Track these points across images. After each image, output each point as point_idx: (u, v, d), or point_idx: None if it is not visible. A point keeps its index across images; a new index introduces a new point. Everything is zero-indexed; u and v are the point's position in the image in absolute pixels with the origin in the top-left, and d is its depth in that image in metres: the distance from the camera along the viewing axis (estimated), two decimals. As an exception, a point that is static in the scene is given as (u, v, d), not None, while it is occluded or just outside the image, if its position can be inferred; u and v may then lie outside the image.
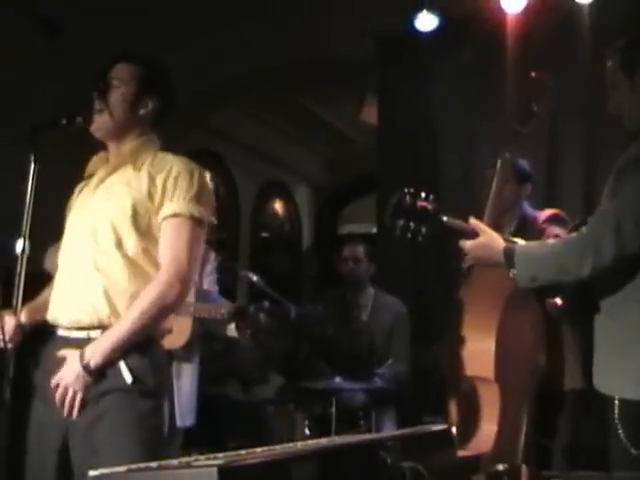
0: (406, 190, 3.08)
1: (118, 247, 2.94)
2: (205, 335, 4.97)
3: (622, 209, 2.75)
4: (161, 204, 2.98)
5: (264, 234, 10.10)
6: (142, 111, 3.14)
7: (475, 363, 3.83)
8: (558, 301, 3.77)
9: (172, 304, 2.94)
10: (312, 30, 6.68)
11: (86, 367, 2.82)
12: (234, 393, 5.76)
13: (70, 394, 2.83)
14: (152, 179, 3.00)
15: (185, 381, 4.54)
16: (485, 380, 3.78)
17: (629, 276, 2.81)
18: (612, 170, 2.89)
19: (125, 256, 2.94)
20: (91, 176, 3.17)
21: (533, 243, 3.05)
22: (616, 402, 2.82)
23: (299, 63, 7.35)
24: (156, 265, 2.96)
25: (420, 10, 6.28)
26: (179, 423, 4.38)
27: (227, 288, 5.20)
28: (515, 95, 5.44)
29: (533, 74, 4.17)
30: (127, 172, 3.06)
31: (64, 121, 3.06)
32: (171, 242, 2.95)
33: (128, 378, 2.84)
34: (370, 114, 8.21)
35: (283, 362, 6.06)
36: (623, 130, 3.06)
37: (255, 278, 5.08)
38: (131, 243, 2.95)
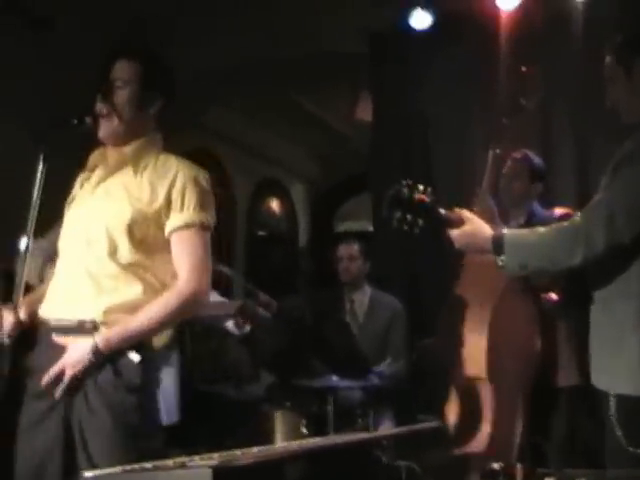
0: (403, 182, 3.06)
1: (111, 255, 2.95)
2: (200, 331, 4.99)
3: (615, 200, 2.75)
4: (167, 215, 2.98)
5: (260, 232, 10.09)
6: (150, 109, 3.13)
7: (468, 362, 3.84)
8: (553, 296, 3.78)
9: (191, 312, 3.04)
10: (306, 27, 6.67)
11: (95, 349, 2.84)
12: (228, 391, 5.75)
13: (69, 372, 2.85)
14: (154, 187, 2.99)
15: (167, 378, 4.56)
16: (479, 378, 3.78)
17: (621, 270, 2.80)
18: (609, 164, 2.88)
19: (118, 264, 2.95)
20: (92, 170, 3.15)
21: (523, 230, 3.04)
22: (611, 398, 2.81)
23: (293, 60, 7.34)
24: (150, 276, 2.98)
25: (414, 7, 6.27)
26: (164, 420, 4.39)
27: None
28: (505, 90, 5.45)
29: (523, 68, 4.18)
30: (127, 176, 3.05)
31: (75, 121, 3.05)
32: (187, 252, 2.97)
33: (136, 358, 2.89)
34: (365, 111, 8.20)
35: (278, 359, 6.05)
36: (616, 125, 3.06)
37: (232, 272, 5.09)
38: (125, 252, 2.96)
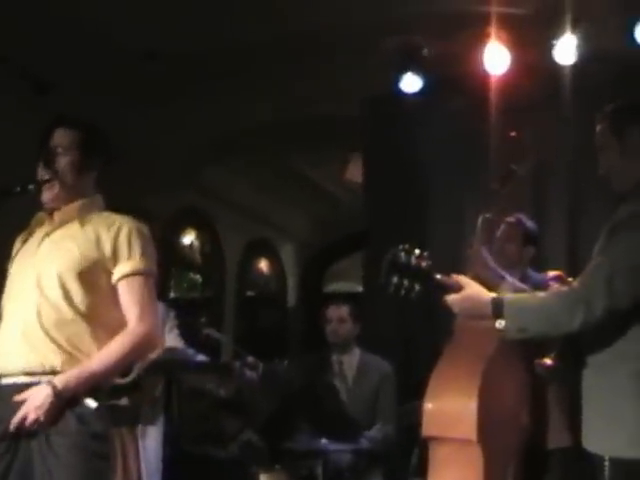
0: (400, 247, 3.06)
1: (66, 299, 3.04)
2: (188, 392, 4.96)
3: (614, 264, 2.76)
4: (114, 263, 3.10)
5: (250, 292, 10.08)
6: (90, 174, 3.27)
7: (458, 424, 3.80)
8: (548, 361, 3.77)
9: (145, 352, 3.18)
10: (299, 90, 6.74)
11: (55, 389, 2.89)
12: (215, 452, 5.70)
13: (32, 416, 2.87)
14: (99, 237, 3.12)
15: (150, 440, 4.55)
16: (468, 441, 3.75)
17: (618, 334, 2.80)
18: (602, 230, 2.89)
19: (73, 307, 3.03)
20: (33, 232, 3.25)
21: (522, 295, 3.04)
22: (606, 462, 2.79)
23: (286, 122, 7.41)
24: (102, 320, 3.07)
25: (405, 71, 6.34)
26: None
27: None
28: (496, 155, 5.50)
29: (513, 134, 4.22)
30: (73, 228, 3.17)
31: (18, 189, 3.16)
32: (136, 297, 3.10)
33: (92, 404, 2.94)
34: (355, 173, 8.26)
35: (266, 421, 6.00)
36: (607, 190, 3.08)
37: (219, 335, 5.10)
38: (79, 296, 3.05)
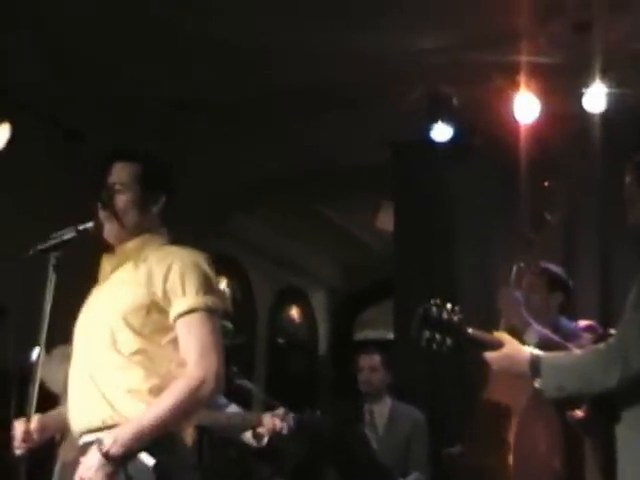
0: (432, 301, 3.07)
1: (113, 347, 2.86)
2: (219, 442, 4.95)
3: None
4: (167, 302, 2.88)
5: (280, 339, 10.08)
6: (153, 209, 3.07)
7: (495, 472, 3.79)
8: (579, 413, 3.74)
9: (205, 400, 2.88)
10: (329, 138, 6.80)
11: (106, 455, 2.70)
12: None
13: None
14: (151, 275, 2.91)
15: None
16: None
17: None
18: (635, 282, 2.86)
19: (120, 355, 2.86)
20: (103, 272, 3.10)
21: (560, 353, 3.04)
22: None
23: (316, 170, 7.46)
24: (155, 364, 2.87)
25: (435, 121, 6.37)
26: None
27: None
28: (529, 204, 5.49)
29: (546, 183, 4.23)
30: (128, 269, 2.98)
31: (74, 234, 3.02)
32: (194, 338, 2.85)
33: (150, 461, 2.72)
34: (386, 221, 8.28)
35: (297, 472, 5.98)
36: (638, 241, 3.08)
37: (251, 386, 5.10)
38: (125, 342, 2.86)
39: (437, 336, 3.02)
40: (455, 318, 3.04)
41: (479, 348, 3.05)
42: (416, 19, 5.37)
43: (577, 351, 2.95)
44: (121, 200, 3.01)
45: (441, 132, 6.42)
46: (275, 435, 4.71)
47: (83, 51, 5.60)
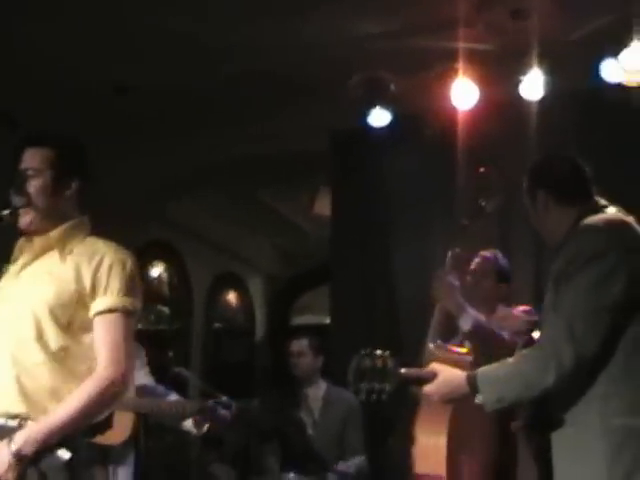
0: (362, 352, 3.13)
1: (38, 340, 2.87)
2: (156, 428, 4.93)
3: (569, 314, 2.80)
4: (92, 298, 2.92)
5: (217, 325, 10.05)
6: (67, 193, 3.05)
7: (427, 459, 3.81)
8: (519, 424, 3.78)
9: (113, 400, 2.92)
10: (267, 125, 6.76)
11: (17, 454, 2.73)
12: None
13: None
14: (79, 270, 2.93)
15: (123, 477, 4.50)
16: (437, 477, 3.75)
17: (584, 383, 2.84)
18: (548, 282, 2.96)
19: (45, 350, 2.87)
20: (15, 259, 3.07)
21: (492, 365, 3.05)
22: None
23: (254, 157, 7.43)
24: (76, 361, 2.90)
25: (373, 106, 6.37)
26: None
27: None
28: (464, 190, 5.53)
29: (481, 169, 4.25)
30: (53, 260, 2.98)
31: None
32: (108, 338, 2.90)
33: (65, 456, 2.78)
34: (323, 207, 8.30)
35: (236, 457, 5.98)
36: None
37: (188, 374, 5.09)
38: (52, 337, 2.88)
39: (375, 385, 3.07)
40: (389, 363, 3.09)
41: (416, 384, 3.14)
42: (355, 5, 5.35)
43: (510, 360, 2.96)
44: (33, 185, 3.00)
45: (378, 117, 6.42)
46: (216, 423, 4.71)
47: (19, 35, 5.48)
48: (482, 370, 2.99)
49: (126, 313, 2.94)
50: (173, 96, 6.20)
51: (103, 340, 2.90)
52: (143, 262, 8.59)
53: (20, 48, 5.55)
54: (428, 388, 3.08)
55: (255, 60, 5.83)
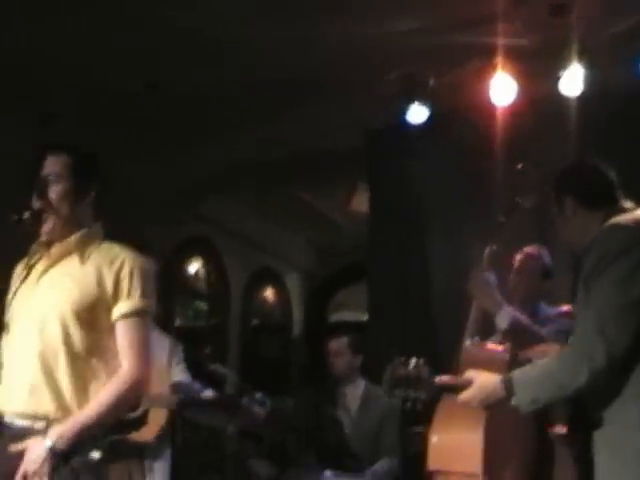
0: (396, 361, 3.19)
1: (65, 342, 2.97)
2: (189, 424, 4.95)
3: (600, 313, 2.82)
4: (115, 300, 3.02)
5: (254, 321, 10.08)
6: (86, 200, 3.16)
7: (463, 457, 3.78)
8: (560, 428, 3.74)
9: (137, 398, 3.10)
10: (305, 122, 6.77)
11: (52, 449, 2.84)
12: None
13: (31, 476, 2.83)
14: (100, 273, 3.03)
15: (158, 475, 4.53)
16: (473, 475, 3.72)
17: (622, 375, 2.83)
18: (579, 280, 2.97)
19: (71, 352, 2.97)
20: (34, 264, 3.14)
21: (526, 367, 3.08)
22: None
23: (292, 153, 7.44)
24: (99, 362, 3.01)
25: (411, 102, 6.35)
26: None
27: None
28: (501, 186, 5.49)
29: (519, 166, 4.22)
30: (72, 264, 3.08)
31: (15, 217, 3.06)
32: (133, 339, 3.03)
33: (96, 455, 2.90)
34: (360, 203, 8.29)
35: (271, 454, 5.98)
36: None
37: (225, 370, 5.10)
38: (78, 339, 2.99)
39: (410, 393, 3.13)
40: (423, 372, 3.15)
41: (451, 392, 3.14)
42: (393, 1, 5.33)
43: (542, 361, 3.00)
44: (54, 191, 3.09)
45: (417, 113, 6.40)
46: (251, 421, 4.72)
47: (54, 38, 5.51)
48: (516, 373, 3.01)
49: (146, 314, 3.08)
50: (207, 94, 6.22)
51: (129, 341, 3.03)
52: (181, 258, 8.64)
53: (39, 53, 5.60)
54: (465, 395, 3.10)
55: (293, 57, 5.83)
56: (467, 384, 3.08)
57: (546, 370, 2.94)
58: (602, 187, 3.18)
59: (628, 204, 3.15)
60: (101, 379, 3.00)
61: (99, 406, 2.93)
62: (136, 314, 3.03)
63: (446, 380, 3.18)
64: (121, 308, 3.02)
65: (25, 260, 3.18)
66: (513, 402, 2.94)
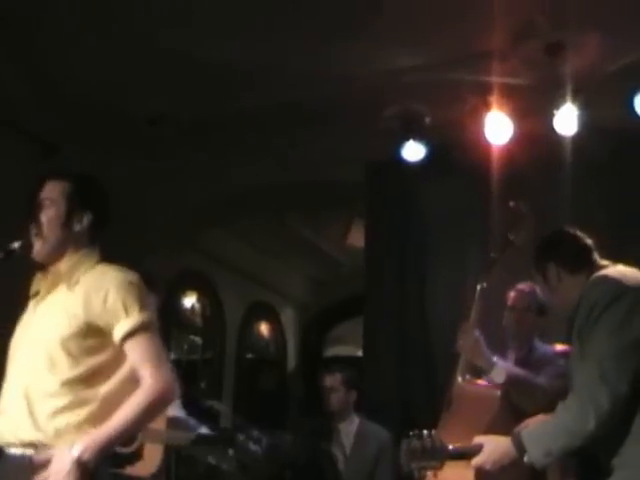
0: (411, 433, 3.25)
1: (51, 370, 2.96)
2: (185, 460, 4.93)
3: (598, 358, 2.94)
4: (114, 322, 2.98)
5: (250, 355, 10.06)
6: (77, 227, 3.12)
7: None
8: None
9: (163, 408, 3.14)
10: (301, 155, 6.80)
11: (78, 461, 2.81)
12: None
13: None
14: (87, 298, 3.00)
15: None
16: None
17: (629, 419, 2.94)
18: (572, 336, 3.13)
19: (58, 379, 2.96)
20: (36, 294, 3.16)
21: (534, 424, 3.19)
22: None
23: (288, 186, 7.46)
24: (86, 387, 2.97)
25: (407, 139, 6.39)
26: None
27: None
28: (494, 223, 5.52)
29: (511, 204, 4.25)
30: (62, 292, 3.06)
31: (1, 254, 3.08)
32: (148, 354, 2.99)
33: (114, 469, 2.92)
34: (357, 237, 8.30)
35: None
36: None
37: (221, 407, 5.08)
38: (64, 367, 2.96)
39: (426, 464, 3.24)
40: (436, 442, 3.23)
41: (465, 459, 3.24)
42: (390, 38, 5.38)
43: (549, 416, 3.11)
44: (45, 214, 3.10)
45: (413, 151, 6.44)
46: (247, 458, 4.71)
47: (60, 68, 5.56)
48: (525, 430, 3.11)
49: (152, 326, 3.04)
50: (205, 125, 6.26)
51: (144, 357, 2.99)
52: (176, 292, 8.64)
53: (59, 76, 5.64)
54: (478, 460, 3.18)
55: (291, 90, 5.87)
56: (478, 449, 3.18)
57: (555, 423, 3.04)
58: (580, 250, 3.37)
59: (604, 262, 3.31)
60: (87, 404, 2.96)
61: (125, 418, 2.91)
62: (142, 329, 2.99)
63: (460, 448, 3.28)
64: (123, 327, 2.98)
65: (32, 291, 3.19)
66: (526, 459, 3.02)
